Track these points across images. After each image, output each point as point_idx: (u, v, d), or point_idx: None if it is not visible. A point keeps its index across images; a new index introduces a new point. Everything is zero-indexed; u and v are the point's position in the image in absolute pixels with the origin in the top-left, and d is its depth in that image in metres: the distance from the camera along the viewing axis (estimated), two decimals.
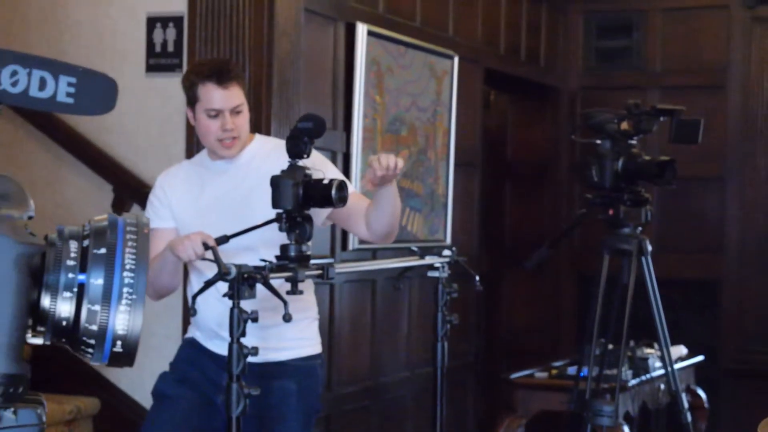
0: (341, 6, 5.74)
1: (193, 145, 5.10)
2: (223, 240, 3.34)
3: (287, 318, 3.21)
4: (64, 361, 5.13)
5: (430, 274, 4.24)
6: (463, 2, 6.88)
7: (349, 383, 5.86)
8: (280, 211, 3.33)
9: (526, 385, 5.74)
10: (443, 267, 4.20)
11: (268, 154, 3.59)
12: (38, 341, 1.14)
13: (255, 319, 3.22)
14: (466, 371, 7.07)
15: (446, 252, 4.23)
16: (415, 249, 4.26)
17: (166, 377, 3.72)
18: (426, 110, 6.41)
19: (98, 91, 1.18)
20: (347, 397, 5.83)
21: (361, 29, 5.73)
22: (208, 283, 3.29)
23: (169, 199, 3.65)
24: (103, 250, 1.11)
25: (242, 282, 3.21)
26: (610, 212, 4.62)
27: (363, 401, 5.97)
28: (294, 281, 3.30)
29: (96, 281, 1.11)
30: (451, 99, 6.63)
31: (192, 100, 3.57)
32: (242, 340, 3.24)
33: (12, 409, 1.10)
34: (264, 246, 3.46)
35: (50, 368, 5.13)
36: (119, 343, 1.12)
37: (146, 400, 5.25)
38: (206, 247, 3.30)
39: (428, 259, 4.20)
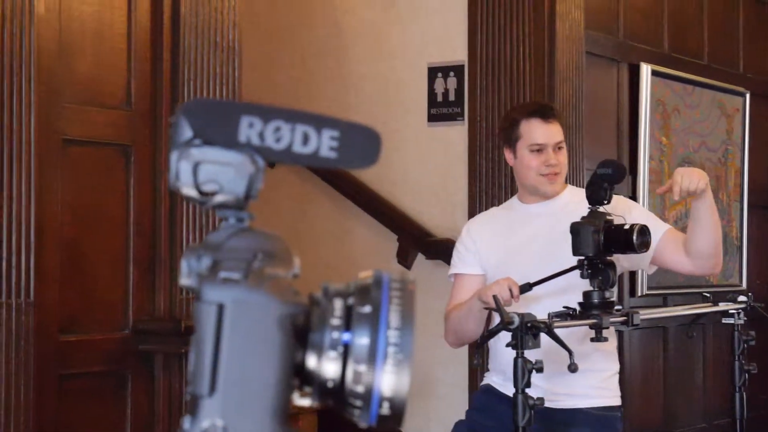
0: (624, 47, 5.62)
1: (475, 193, 5.09)
2: (526, 288, 3.35)
3: (573, 368, 3.13)
4: None
5: (725, 320, 4.04)
6: (753, 36, 6.61)
7: None
8: (582, 258, 3.32)
9: None
10: (739, 313, 3.99)
11: (580, 203, 3.56)
12: (306, 402, 1.11)
13: (540, 369, 3.16)
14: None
15: (741, 297, 4.02)
16: (707, 294, 4.07)
17: (461, 426, 3.71)
18: (716, 150, 6.17)
19: (361, 144, 1.14)
20: None
21: (646, 70, 5.59)
22: (492, 332, 3.27)
23: (477, 246, 3.67)
24: (367, 308, 1.07)
25: (525, 331, 3.16)
26: None
27: None
28: (599, 328, 3.28)
29: (361, 340, 1.06)
30: (744, 138, 6.37)
31: (513, 139, 3.61)
32: (545, 384, 3.31)
33: None
34: (562, 292, 3.44)
35: (342, 417, 5.20)
36: (386, 404, 1.07)
37: None
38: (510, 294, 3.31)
39: (722, 306, 4.00)
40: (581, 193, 3.76)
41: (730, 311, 4.03)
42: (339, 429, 5.39)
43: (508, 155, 3.67)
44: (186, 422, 1.08)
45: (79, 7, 3.76)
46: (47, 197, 3.61)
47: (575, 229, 3.32)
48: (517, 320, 3.17)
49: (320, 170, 5.65)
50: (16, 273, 3.46)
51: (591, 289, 3.32)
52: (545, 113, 3.60)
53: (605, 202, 3.35)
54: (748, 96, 6.38)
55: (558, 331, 3.25)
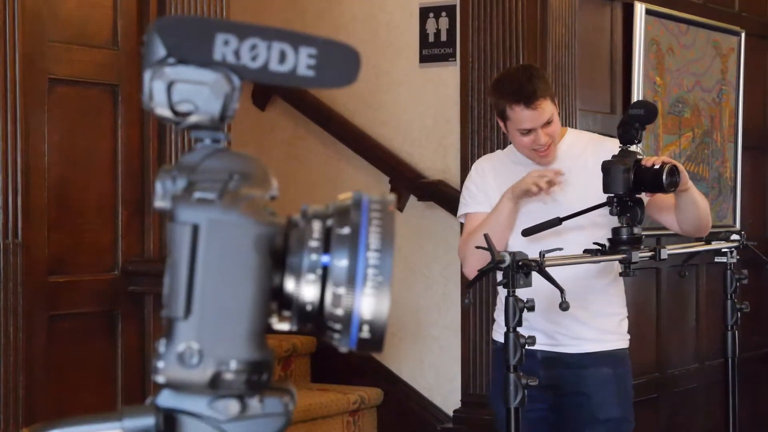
0: None
1: (468, 134, 5.06)
2: (555, 222, 3.38)
3: (564, 306, 3.12)
4: (347, 354, 5.19)
5: (718, 259, 4.03)
6: None
7: (635, 375, 5.64)
8: (611, 195, 3.39)
9: None
10: (731, 252, 3.97)
11: (584, 148, 3.63)
12: (285, 327, 1.08)
13: (531, 308, 3.16)
14: (761, 363, 6.71)
15: (734, 236, 4.00)
16: None
17: (498, 388, 3.73)
18: (711, 90, 6.12)
19: (340, 62, 1.10)
20: (634, 389, 5.63)
21: (640, 9, 5.53)
22: (483, 272, 3.24)
23: (486, 187, 3.65)
24: (346, 230, 1.04)
25: (517, 270, 3.14)
26: None
27: (651, 393, 5.76)
28: (628, 263, 3.39)
29: (340, 263, 1.03)
30: (738, 78, 6.32)
31: (502, 116, 3.55)
32: (571, 326, 3.50)
33: (257, 398, 1.04)
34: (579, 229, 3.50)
35: (335, 360, 5.21)
36: (366, 327, 1.04)
37: (427, 390, 5.26)
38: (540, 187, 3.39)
39: (715, 244, 3.98)
40: (584, 136, 3.80)
41: (723, 250, 4.01)
42: (332, 371, 5.43)
43: (501, 124, 3.62)
44: (161, 346, 1.05)
45: None
46: (34, 137, 3.57)
47: (606, 167, 3.39)
48: (508, 259, 3.16)
49: (310, 112, 5.60)
50: (3, 214, 3.42)
51: (620, 225, 3.41)
52: (528, 100, 3.45)
53: (636, 141, 3.43)
54: (743, 35, 6.32)
55: (571, 271, 3.29)
